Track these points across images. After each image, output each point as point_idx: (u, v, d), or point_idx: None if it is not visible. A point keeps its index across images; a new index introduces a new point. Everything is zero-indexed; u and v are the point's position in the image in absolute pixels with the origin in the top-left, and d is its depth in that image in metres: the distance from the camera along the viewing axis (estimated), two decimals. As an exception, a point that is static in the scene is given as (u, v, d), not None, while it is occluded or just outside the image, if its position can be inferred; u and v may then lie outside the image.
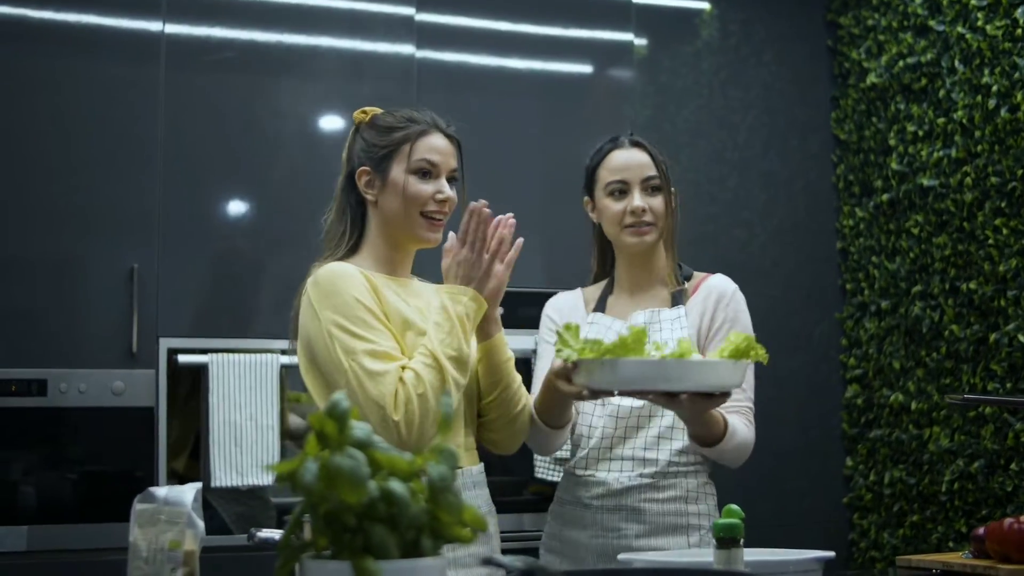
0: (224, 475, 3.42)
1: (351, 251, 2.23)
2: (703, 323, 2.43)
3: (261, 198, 3.73)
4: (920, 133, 4.05)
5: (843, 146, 4.45)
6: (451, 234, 2.21)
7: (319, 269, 2.14)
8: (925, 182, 4.00)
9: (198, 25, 3.70)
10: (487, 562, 1.32)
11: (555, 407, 2.29)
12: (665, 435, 2.38)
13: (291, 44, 3.81)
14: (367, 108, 2.29)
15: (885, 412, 4.17)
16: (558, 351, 2.06)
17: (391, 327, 2.10)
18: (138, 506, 1.61)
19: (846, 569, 4.08)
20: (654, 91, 4.27)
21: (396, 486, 1.19)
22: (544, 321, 2.58)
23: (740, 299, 2.48)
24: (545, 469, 3.86)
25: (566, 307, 2.57)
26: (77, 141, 3.54)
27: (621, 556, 1.91)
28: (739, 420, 2.36)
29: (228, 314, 3.60)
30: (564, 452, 3.79)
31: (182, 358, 3.48)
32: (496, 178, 4.00)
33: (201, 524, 1.59)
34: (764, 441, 4.18)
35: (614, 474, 2.37)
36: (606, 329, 2.44)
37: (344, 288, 2.08)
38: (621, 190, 2.46)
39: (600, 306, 2.52)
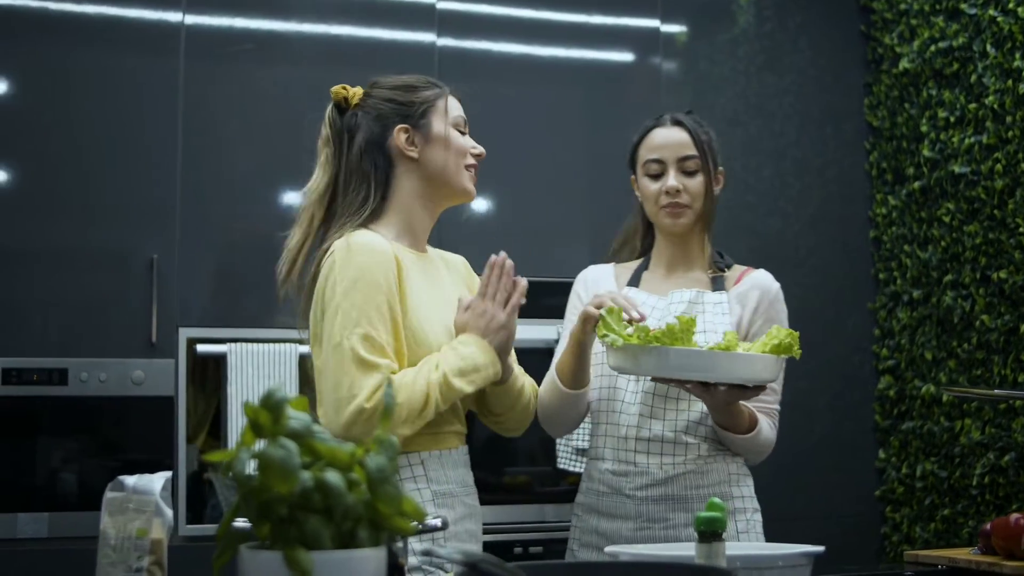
0: (242, 464, 3.42)
1: (372, 217, 2.18)
2: (744, 316, 2.37)
3: (280, 189, 3.73)
4: (952, 119, 3.96)
5: (876, 133, 4.37)
6: (466, 295, 2.22)
7: (352, 236, 2.09)
8: (957, 169, 3.92)
9: (217, 16, 3.71)
10: (426, 554, 1.29)
11: (578, 367, 2.27)
12: (703, 420, 2.31)
13: (310, 34, 3.81)
14: (345, 85, 2.26)
15: (917, 404, 4.10)
16: (602, 336, 2.06)
17: (399, 324, 2.08)
18: (108, 494, 1.61)
19: (877, 564, 4.02)
20: (692, 79, 4.24)
21: (331, 477, 1.17)
22: (574, 288, 2.53)
23: (782, 299, 2.43)
24: (567, 459, 3.83)
25: (594, 279, 2.51)
26: (96, 132, 3.57)
27: (608, 549, 1.88)
28: (764, 420, 2.32)
29: (247, 304, 3.61)
30: (583, 442, 3.79)
31: (201, 348, 3.50)
32: (521, 168, 3.98)
33: (169, 513, 1.59)
34: (797, 432, 4.17)
35: (655, 459, 2.30)
36: (641, 304, 2.36)
37: (372, 265, 2.05)
38: (658, 171, 2.40)
39: (634, 281, 2.46)
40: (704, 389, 2.12)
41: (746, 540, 2.29)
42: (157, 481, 1.60)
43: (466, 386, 2.06)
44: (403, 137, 2.19)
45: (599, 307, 2.15)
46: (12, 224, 3.47)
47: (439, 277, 2.25)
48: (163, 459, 3.45)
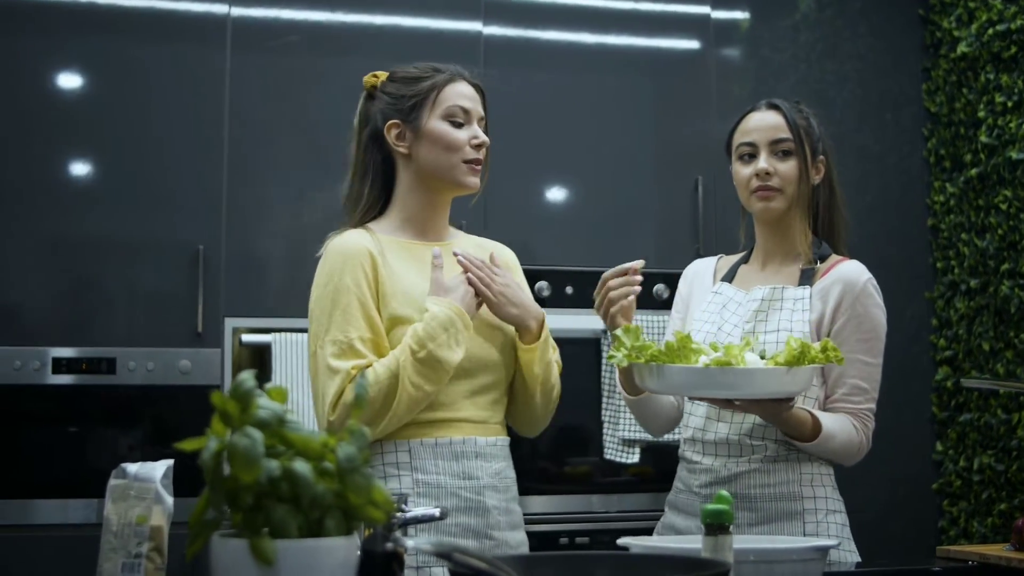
0: (286, 453, 3.46)
1: (377, 214, 2.20)
2: (826, 311, 2.25)
3: (326, 179, 3.74)
4: (1009, 104, 3.86)
5: (934, 119, 4.28)
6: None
7: (332, 240, 2.13)
8: (1014, 155, 3.82)
9: (263, 8, 3.74)
10: (388, 541, 1.29)
11: (625, 375, 2.28)
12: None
13: (355, 24, 3.82)
14: (377, 72, 2.25)
15: (974, 395, 4.00)
16: (610, 357, 2.04)
17: (375, 318, 2.07)
18: (112, 481, 1.62)
19: (932, 558, 3.93)
20: (754, 66, 4.19)
21: (299, 466, 1.17)
22: (678, 289, 2.49)
23: (871, 292, 2.28)
24: (614, 450, 3.81)
25: (694, 273, 2.47)
26: (143, 124, 3.61)
27: (620, 541, 1.85)
28: (846, 421, 2.23)
29: (292, 295, 3.63)
30: (630, 433, 3.76)
31: (246, 338, 3.53)
32: (568, 157, 3.96)
33: (170, 500, 1.60)
34: (910, 424, 4.10)
35: (721, 459, 2.25)
36: (727, 300, 2.32)
37: (341, 269, 2.07)
38: (750, 153, 2.31)
39: (730, 276, 2.39)
40: (727, 402, 2.07)
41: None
42: (158, 469, 1.61)
43: (438, 348, 2.02)
44: (394, 133, 2.18)
45: (611, 303, 2.15)
46: (60, 216, 3.53)
47: (445, 265, 2.18)
48: (209, 447, 3.49)
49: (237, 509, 1.18)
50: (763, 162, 2.28)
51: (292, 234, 3.64)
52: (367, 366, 2.03)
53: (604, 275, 2.21)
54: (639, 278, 2.19)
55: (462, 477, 2.09)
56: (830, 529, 2.23)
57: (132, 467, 1.62)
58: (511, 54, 3.94)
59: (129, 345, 3.49)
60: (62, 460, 3.43)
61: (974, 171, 4.02)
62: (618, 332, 2.05)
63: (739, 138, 2.35)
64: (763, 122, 2.32)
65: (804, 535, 2.20)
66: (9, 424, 3.41)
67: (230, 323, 3.56)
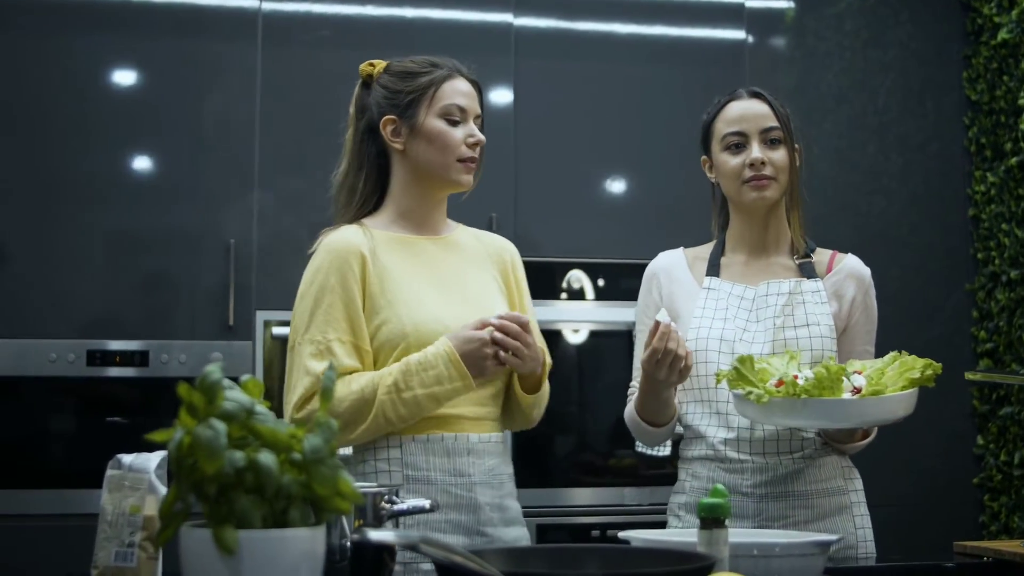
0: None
1: (372, 208, 2.18)
2: (843, 307, 2.24)
3: (357, 172, 3.77)
4: (1050, 91, 3.79)
5: (974, 107, 4.20)
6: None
7: (325, 237, 2.12)
8: (1055, 143, 3.75)
9: (294, 2, 3.76)
10: (358, 534, 1.29)
11: (658, 406, 2.18)
12: None
13: (386, 18, 3.83)
14: (374, 60, 2.23)
15: (1015, 388, 3.93)
16: (748, 394, 1.97)
17: (359, 320, 2.05)
18: (108, 472, 1.64)
19: (948, 554, 3.88)
20: (801, 56, 4.15)
21: (263, 457, 1.18)
22: (645, 280, 2.37)
23: (872, 286, 2.30)
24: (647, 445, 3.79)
25: (665, 268, 2.36)
26: (175, 118, 3.66)
27: (621, 534, 1.84)
28: None
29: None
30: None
31: (276, 330, 3.56)
32: (605, 148, 3.95)
33: (163, 490, 1.61)
34: (921, 418, 4.02)
35: (772, 457, 2.18)
36: (726, 295, 2.26)
37: (328, 268, 2.07)
38: (739, 143, 2.26)
39: (714, 270, 2.32)
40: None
41: (863, 535, 2.19)
42: (153, 460, 1.63)
43: (417, 387, 1.99)
44: (389, 129, 2.15)
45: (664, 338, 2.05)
46: (92, 210, 3.58)
47: (438, 261, 2.17)
48: (241, 439, 3.53)
49: (203, 499, 1.19)
50: (757, 152, 2.24)
51: (322, 228, 3.65)
52: (350, 372, 2.02)
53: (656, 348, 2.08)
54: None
55: (453, 474, 2.06)
56: (868, 522, 2.23)
57: (127, 458, 1.64)
58: (542, 46, 3.93)
59: (162, 338, 3.54)
60: (96, 451, 3.47)
61: (1015, 160, 3.95)
62: (735, 363, 2.01)
63: (724, 127, 2.28)
64: (751, 111, 2.27)
65: (855, 529, 2.19)
66: (45, 415, 3.47)
67: (261, 316, 3.59)
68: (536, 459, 3.69)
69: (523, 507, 2.18)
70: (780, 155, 2.25)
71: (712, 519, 1.64)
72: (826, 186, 4.02)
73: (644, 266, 2.41)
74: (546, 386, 2.18)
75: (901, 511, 3.99)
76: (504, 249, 2.28)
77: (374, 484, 1.68)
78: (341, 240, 2.10)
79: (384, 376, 2.01)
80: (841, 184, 4.06)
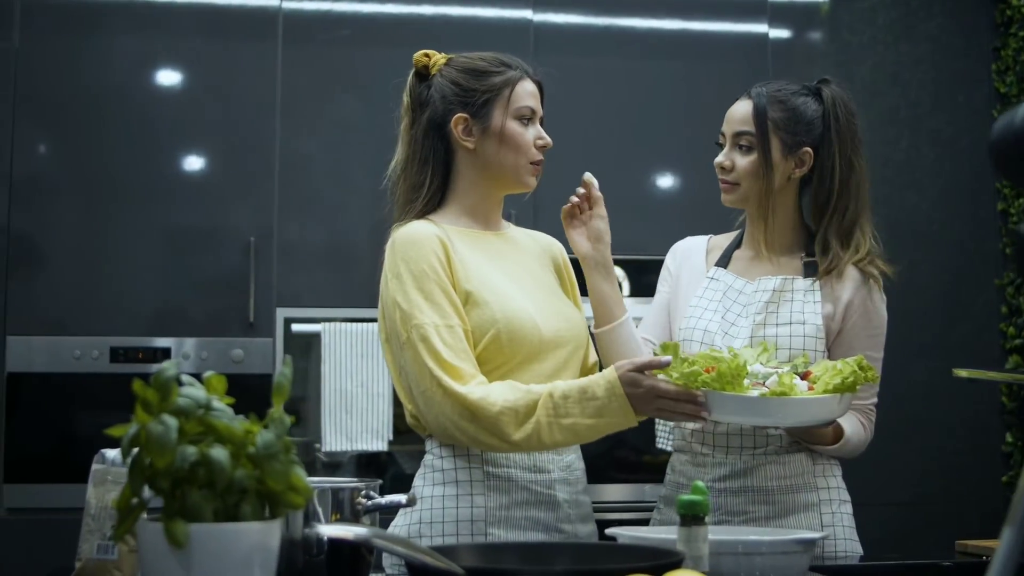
0: (335, 440, 3.51)
1: (437, 204, 2.14)
2: (837, 309, 2.18)
3: (377, 172, 3.78)
4: (1078, 83, 3.73)
5: (1004, 100, 4.15)
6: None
7: (398, 230, 2.07)
8: (1083, 136, 3.68)
9: (314, 1, 3.79)
10: (307, 527, 1.30)
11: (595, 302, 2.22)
12: None
13: (405, 16, 3.85)
14: (429, 51, 2.19)
15: (1044, 385, 3.88)
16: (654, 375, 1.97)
17: (457, 303, 2.01)
18: (94, 466, 1.67)
19: (949, 552, 3.84)
20: (835, 50, 4.13)
21: (215, 452, 1.20)
22: (665, 261, 2.41)
23: (876, 289, 2.22)
24: (665, 438, 3.78)
25: (685, 251, 2.39)
26: (195, 117, 3.70)
27: (608, 531, 1.85)
28: (855, 420, 2.18)
29: (342, 284, 3.69)
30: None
31: (296, 327, 3.59)
32: (627, 145, 3.94)
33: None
34: (924, 415, 4.01)
35: (734, 453, 2.18)
36: (727, 287, 2.26)
37: (416, 256, 2.01)
38: (721, 144, 2.28)
39: (724, 261, 2.32)
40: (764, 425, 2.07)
41: (830, 532, 2.16)
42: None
43: (573, 407, 1.93)
44: (460, 127, 2.10)
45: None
46: (114, 208, 3.63)
47: (507, 255, 2.17)
48: (261, 434, 3.56)
49: (159, 493, 1.21)
50: (721, 156, 2.25)
51: (342, 225, 3.69)
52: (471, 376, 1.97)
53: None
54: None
55: (533, 470, 2.03)
56: (843, 520, 2.18)
57: (111, 452, 1.66)
58: (562, 42, 3.93)
59: (183, 335, 3.58)
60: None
61: (1043, 153, 3.89)
62: (656, 350, 2.00)
63: (722, 126, 2.30)
64: (734, 113, 2.26)
65: (822, 527, 2.15)
66: (70, 411, 3.52)
67: (281, 313, 3.62)
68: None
69: None
70: (745, 161, 2.22)
71: (691, 516, 1.64)
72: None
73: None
74: None
75: (929, 509, 3.95)
76: (555, 246, 2.28)
77: (354, 479, 1.69)
78: (420, 231, 2.04)
79: (543, 396, 1.94)
80: (874, 179, 3.98)
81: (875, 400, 2.23)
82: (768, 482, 2.17)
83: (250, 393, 3.53)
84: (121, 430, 1.22)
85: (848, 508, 2.22)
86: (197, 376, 1.28)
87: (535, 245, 2.24)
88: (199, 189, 3.67)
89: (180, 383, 1.27)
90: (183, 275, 3.63)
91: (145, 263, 3.62)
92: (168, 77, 3.71)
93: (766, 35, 4.10)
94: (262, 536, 1.20)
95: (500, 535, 1.97)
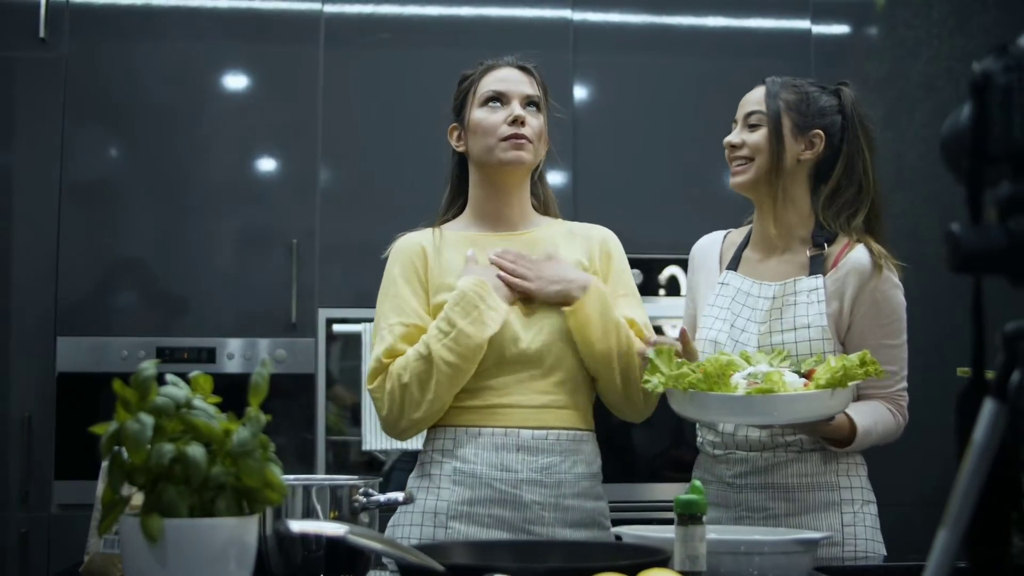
0: (374, 439, 3.55)
1: (456, 213, 2.29)
2: (844, 306, 2.15)
3: (418, 172, 3.81)
4: None
5: (1055, 93, 4.07)
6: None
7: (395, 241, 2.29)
8: None
9: (355, 4, 3.83)
10: (280, 526, 1.33)
11: None
12: None
13: (446, 18, 3.87)
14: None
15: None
16: (644, 382, 1.99)
17: (418, 305, 2.16)
18: (104, 463, 1.71)
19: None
20: (890, 45, 4.09)
21: (191, 450, 1.23)
22: (689, 265, 2.44)
23: (884, 274, 2.15)
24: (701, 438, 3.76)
25: (699, 255, 2.41)
26: (237, 120, 3.75)
27: (614, 530, 1.85)
28: (881, 408, 2.15)
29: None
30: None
31: (337, 327, 3.64)
32: (668, 143, 3.93)
33: (152, 482, 1.68)
34: (947, 414, 3.90)
35: (755, 452, 2.18)
36: (736, 291, 2.25)
37: (392, 263, 2.24)
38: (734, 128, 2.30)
39: (734, 263, 2.30)
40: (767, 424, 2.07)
41: (851, 532, 2.14)
42: (143, 452, 1.69)
43: (458, 316, 2.06)
44: (455, 135, 2.26)
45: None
46: (159, 212, 3.71)
47: (536, 244, 2.20)
48: (304, 434, 3.61)
49: (139, 489, 1.24)
50: (732, 134, 2.27)
51: (383, 226, 3.71)
52: (400, 354, 2.11)
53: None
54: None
55: (499, 468, 2.06)
56: (865, 520, 2.16)
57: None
58: (601, 40, 3.93)
59: (227, 335, 3.65)
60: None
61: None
62: (650, 354, 2.00)
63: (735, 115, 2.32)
64: (747, 98, 2.29)
65: (842, 526, 2.14)
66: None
67: (323, 313, 3.67)
68: (620, 454, 3.69)
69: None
70: (755, 136, 2.23)
71: (688, 515, 1.64)
72: (914, 177, 3.95)
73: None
74: (611, 319, 2.11)
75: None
76: (593, 234, 2.28)
77: (353, 477, 1.72)
78: (404, 240, 2.26)
79: (430, 330, 2.09)
80: (929, 175, 3.96)
81: (903, 385, 2.19)
82: (789, 479, 2.16)
83: (294, 392, 3.62)
84: (101, 428, 1.26)
85: (872, 508, 2.19)
86: (244, 376, 1.31)
87: (571, 240, 2.24)
88: (243, 191, 3.73)
89: (163, 382, 1.30)
90: (227, 276, 3.69)
91: (190, 265, 3.68)
92: (208, 81, 3.78)
93: (809, 31, 4.06)
94: (237, 531, 1.23)
95: (461, 529, 2.04)
